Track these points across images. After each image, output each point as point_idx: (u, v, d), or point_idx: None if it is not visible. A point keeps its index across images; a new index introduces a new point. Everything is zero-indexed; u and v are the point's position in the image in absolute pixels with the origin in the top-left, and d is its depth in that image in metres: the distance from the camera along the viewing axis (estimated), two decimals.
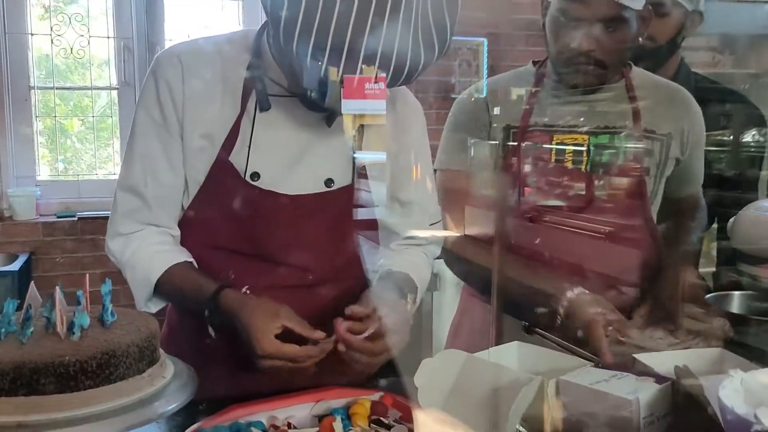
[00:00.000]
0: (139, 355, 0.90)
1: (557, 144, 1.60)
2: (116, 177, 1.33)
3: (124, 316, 0.98)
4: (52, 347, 0.85)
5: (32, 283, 0.97)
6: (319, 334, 1.17)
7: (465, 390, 1.17)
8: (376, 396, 1.22)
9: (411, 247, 1.49)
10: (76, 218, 3.46)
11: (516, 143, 1.60)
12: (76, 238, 3.44)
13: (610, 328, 1.41)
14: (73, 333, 0.88)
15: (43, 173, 3.68)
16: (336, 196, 1.33)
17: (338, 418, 1.10)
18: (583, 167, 1.58)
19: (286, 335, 1.16)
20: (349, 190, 1.34)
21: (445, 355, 1.23)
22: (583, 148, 1.58)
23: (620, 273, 1.58)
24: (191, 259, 1.30)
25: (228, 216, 1.28)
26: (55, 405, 0.82)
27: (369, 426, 1.12)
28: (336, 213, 1.33)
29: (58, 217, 3.50)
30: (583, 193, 1.59)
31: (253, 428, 1.08)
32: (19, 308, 0.93)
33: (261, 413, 1.16)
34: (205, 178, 1.27)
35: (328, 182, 1.32)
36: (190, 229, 1.32)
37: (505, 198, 1.63)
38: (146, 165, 1.26)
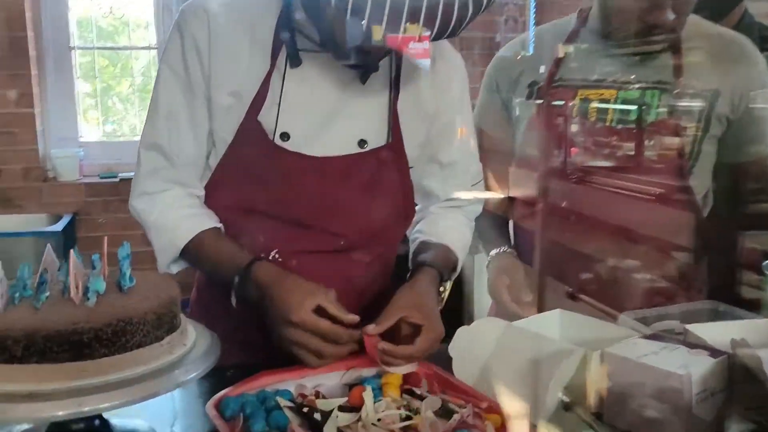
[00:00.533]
0: (157, 322, 0.86)
1: (582, 100, 1.50)
2: None
3: (144, 280, 0.94)
4: (65, 314, 0.81)
5: (48, 246, 0.94)
6: (352, 318, 1.10)
7: (502, 361, 1.11)
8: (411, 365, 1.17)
9: (451, 209, 1.42)
10: (118, 179, 3.48)
11: (551, 100, 1.51)
12: (118, 199, 3.46)
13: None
14: (88, 299, 0.84)
15: (86, 135, 3.70)
16: (370, 157, 1.26)
17: (368, 388, 1.04)
18: (608, 123, 1.49)
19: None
20: (383, 151, 1.27)
21: (482, 324, 1.17)
22: (611, 105, 1.48)
23: (661, 235, 1.48)
24: (219, 225, 1.25)
25: (256, 178, 1.23)
26: (69, 374, 0.79)
27: (401, 396, 1.07)
28: (369, 175, 1.27)
29: (101, 178, 3.52)
30: (617, 151, 1.49)
31: (278, 397, 1.03)
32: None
33: (289, 381, 1.11)
34: (232, 138, 1.22)
35: (362, 143, 1.25)
36: (218, 190, 1.27)
37: (541, 157, 1.55)
38: (170, 123, 1.21)
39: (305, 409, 1.00)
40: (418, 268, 1.28)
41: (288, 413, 1.00)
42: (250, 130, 1.21)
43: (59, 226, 3.17)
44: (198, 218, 1.24)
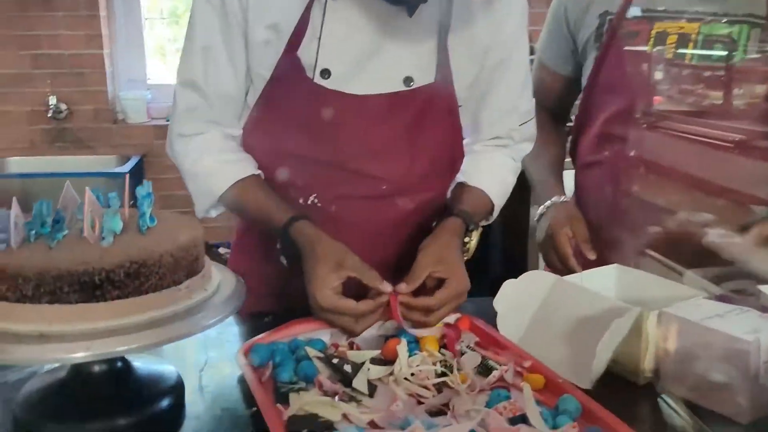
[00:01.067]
0: (175, 265, 0.82)
1: (658, 33, 1.35)
2: None
3: (166, 221, 0.90)
4: (78, 253, 0.78)
5: (67, 183, 0.90)
6: (386, 287, 1.03)
7: (551, 317, 1.03)
8: (451, 318, 1.10)
9: (497, 148, 1.32)
10: None
11: (624, 34, 1.37)
12: None
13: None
14: (104, 238, 0.80)
15: (154, 77, 3.71)
16: (415, 95, 1.17)
17: (403, 340, 0.99)
18: (688, 62, 1.34)
19: (351, 286, 1.04)
20: (430, 89, 1.18)
21: (531, 277, 1.09)
22: (692, 41, 1.33)
23: (740, 187, 1.35)
24: (258, 172, 1.20)
25: (295, 118, 1.17)
26: (80, 315, 0.76)
27: (439, 351, 1.00)
28: (415, 116, 1.18)
29: (168, 121, 3.54)
30: (695, 94, 1.35)
31: (309, 348, 0.99)
32: None
33: (323, 330, 1.07)
34: (270, 76, 1.16)
35: (407, 80, 1.16)
36: (256, 130, 1.22)
37: (609, 99, 1.42)
38: (207, 58, 1.15)
39: (335, 361, 0.96)
40: (445, 216, 1.20)
41: (317, 364, 0.96)
42: (289, 66, 1.14)
43: (127, 167, 3.22)
44: (236, 165, 1.19)
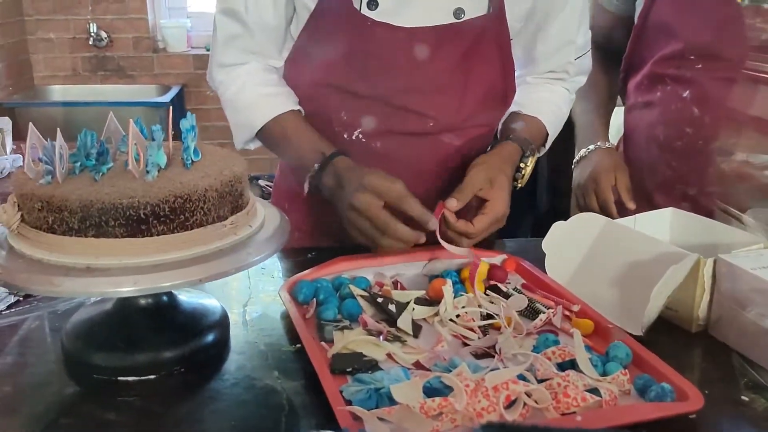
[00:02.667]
0: (219, 200, 0.80)
1: None
2: None
3: (211, 155, 0.88)
4: (123, 187, 0.77)
5: (111, 114, 0.89)
6: (433, 225, 1.00)
7: (601, 261, 1.00)
8: (498, 258, 1.08)
9: (551, 81, 1.27)
10: None
11: None
12: None
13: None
14: (148, 172, 0.79)
15: (194, 5, 3.66)
16: (466, 28, 1.12)
17: (449, 281, 0.97)
18: None
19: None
20: (482, 21, 1.12)
21: (581, 219, 1.05)
22: None
23: None
24: (299, 108, 1.17)
25: (340, 51, 1.12)
26: (126, 250, 0.75)
27: (485, 293, 0.99)
28: (465, 49, 1.13)
29: (208, 50, 3.51)
30: (756, 31, 1.27)
31: (353, 286, 0.98)
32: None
33: (367, 269, 1.06)
34: (315, 6, 1.11)
35: (458, 12, 1.11)
36: (299, 63, 1.18)
37: (662, 36, 1.34)
38: None
39: (379, 300, 0.95)
40: (500, 140, 1.17)
41: (361, 302, 0.95)
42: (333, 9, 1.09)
43: (167, 97, 3.21)
44: (277, 98, 1.16)
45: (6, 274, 0.75)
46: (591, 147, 1.44)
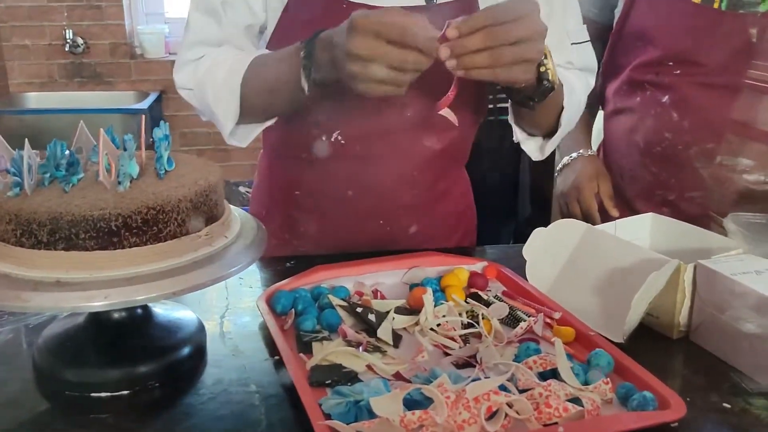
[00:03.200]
0: (194, 211, 0.79)
1: None
2: None
3: (185, 165, 0.87)
4: (94, 198, 0.75)
5: (81, 123, 0.87)
6: (444, 53, 0.85)
7: (582, 268, 0.99)
8: (478, 266, 1.07)
9: (566, 71, 1.18)
10: None
11: None
12: None
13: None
14: (120, 183, 0.77)
15: (172, 10, 3.64)
16: (437, 13, 1.09)
17: (429, 290, 0.96)
18: (717, 5, 1.26)
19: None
20: (453, 7, 1.10)
21: (562, 225, 1.05)
22: None
23: None
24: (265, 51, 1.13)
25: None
26: (97, 263, 0.73)
27: (466, 301, 0.97)
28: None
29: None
30: (733, 37, 1.27)
31: (331, 295, 0.96)
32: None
33: (347, 278, 1.04)
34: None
35: None
36: None
37: (642, 42, 1.34)
38: None
39: (359, 309, 0.93)
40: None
41: (341, 312, 0.94)
42: None
43: (146, 104, 3.18)
44: (248, 55, 1.10)
45: None
46: (573, 155, 1.44)
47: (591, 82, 1.23)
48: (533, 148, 1.20)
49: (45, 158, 0.80)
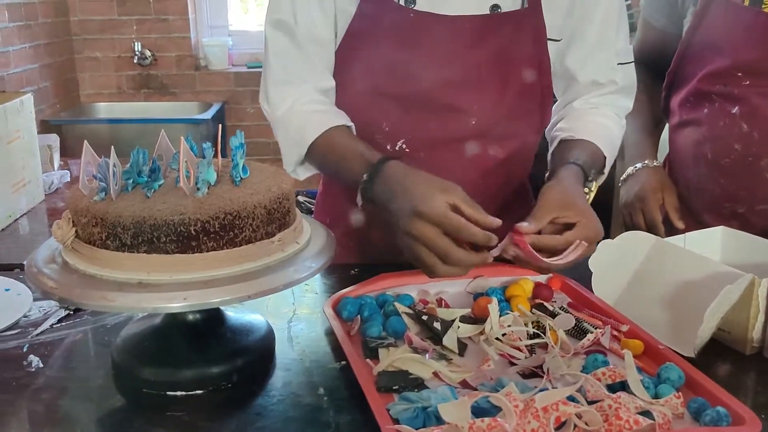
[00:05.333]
0: (268, 217, 0.81)
1: None
2: None
3: (259, 173, 0.89)
4: (174, 204, 0.78)
5: (162, 132, 0.90)
6: (494, 222, 0.89)
7: (650, 281, 0.98)
8: (542, 277, 1.07)
9: (599, 107, 1.23)
10: None
11: None
12: None
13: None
14: (198, 189, 0.80)
15: (235, 23, 3.73)
16: (502, 22, 1.12)
17: (494, 299, 0.96)
18: None
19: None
20: (517, 17, 1.13)
21: (629, 238, 1.04)
22: None
23: None
24: (350, 124, 1.16)
25: (381, 49, 1.13)
26: (177, 265, 0.76)
27: (531, 311, 0.97)
28: (503, 42, 1.13)
29: (249, 68, 3.56)
30: None
31: (397, 303, 0.98)
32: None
33: (411, 286, 1.05)
34: (356, 8, 1.12)
35: (494, 7, 1.12)
36: (341, 74, 1.18)
37: (711, 53, 1.31)
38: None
39: (424, 317, 0.94)
40: (560, 165, 1.10)
41: (406, 320, 0.95)
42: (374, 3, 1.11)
43: (209, 114, 3.26)
44: (328, 115, 1.15)
45: (61, 290, 0.76)
46: (638, 165, 1.42)
47: (629, 104, 1.27)
48: None
49: (127, 165, 0.84)
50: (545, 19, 1.14)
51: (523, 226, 0.92)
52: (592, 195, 1.13)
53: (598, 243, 0.98)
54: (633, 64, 1.25)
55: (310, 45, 1.15)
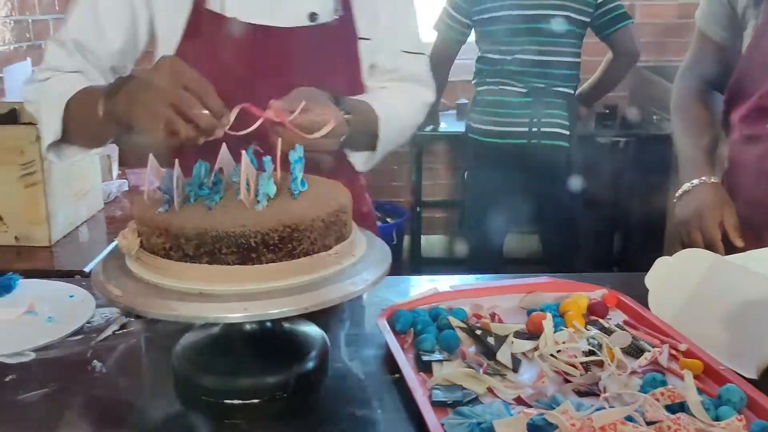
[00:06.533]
0: (325, 230, 0.82)
1: None
2: None
3: (316, 186, 0.91)
4: (235, 216, 0.80)
5: (224, 145, 0.92)
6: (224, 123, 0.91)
7: (709, 300, 0.96)
8: (597, 293, 1.06)
9: (388, 89, 1.30)
10: None
11: None
12: None
13: None
14: (258, 202, 0.82)
15: None
16: (319, 30, 1.20)
17: (549, 315, 0.96)
18: None
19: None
20: (333, 24, 1.21)
21: (688, 255, 1.02)
22: None
23: None
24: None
25: (214, 63, 1.15)
26: (237, 277, 0.78)
27: (586, 328, 0.97)
28: (322, 50, 1.20)
29: None
30: None
31: (450, 317, 0.98)
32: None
33: (464, 300, 1.06)
34: (185, 25, 1.17)
35: (312, 16, 1.19)
36: None
37: None
38: (86, 16, 1.18)
39: (478, 332, 0.94)
40: None
41: (460, 334, 0.95)
42: (202, 17, 1.16)
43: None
44: (86, 81, 1.15)
45: (126, 298, 0.79)
46: (695, 182, 1.39)
47: (423, 92, 1.35)
48: (360, 161, 1.28)
49: (190, 177, 0.86)
50: (358, 22, 1.23)
51: (276, 102, 0.98)
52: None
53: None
54: (422, 55, 1.35)
55: (87, 65, 1.19)
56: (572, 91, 2.54)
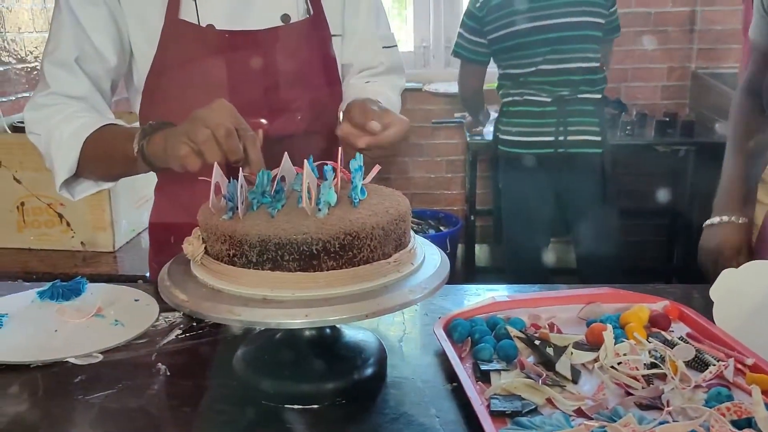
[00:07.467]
0: (385, 238, 0.83)
1: None
2: None
3: (376, 194, 0.91)
4: (297, 223, 0.81)
5: (285, 154, 0.94)
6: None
7: None
8: (659, 305, 1.04)
9: (373, 83, 1.36)
10: None
11: None
12: None
13: None
14: (320, 210, 0.83)
15: None
16: (293, 29, 1.23)
17: (609, 326, 0.94)
18: None
19: None
20: (305, 23, 1.25)
21: (754, 267, 0.99)
22: None
23: None
24: (120, 122, 1.20)
25: (192, 72, 1.19)
26: (298, 283, 0.79)
27: (647, 340, 0.95)
28: (298, 50, 1.24)
29: None
30: None
31: (509, 326, 0.97)
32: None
33: (522, 309, 1.05)
34: (160, 36, 1.18)
35: (285, 17, 1.23)
36: (153, 104, 1.23)
37: None
38: (79, 35, 1.18)
39: (537, 342, 0.94)
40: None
41: (518, 344, 0.94)
42: (176, 28, 1.17)
43: None
44: (96, 118, 1.17)
45: (192, 303, 0.81)
46: (724, 218, 1.36)
47: (400, 80, 1.44)
48: None
49: (254, 186, 0.88)
50: (330, 20, 1.28)
51: (346, 126, 1.01)
52: None
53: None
54: (396, 48, 1.42)
55: (90, 86, 1.21)
56: (599, 95, 2.49)
